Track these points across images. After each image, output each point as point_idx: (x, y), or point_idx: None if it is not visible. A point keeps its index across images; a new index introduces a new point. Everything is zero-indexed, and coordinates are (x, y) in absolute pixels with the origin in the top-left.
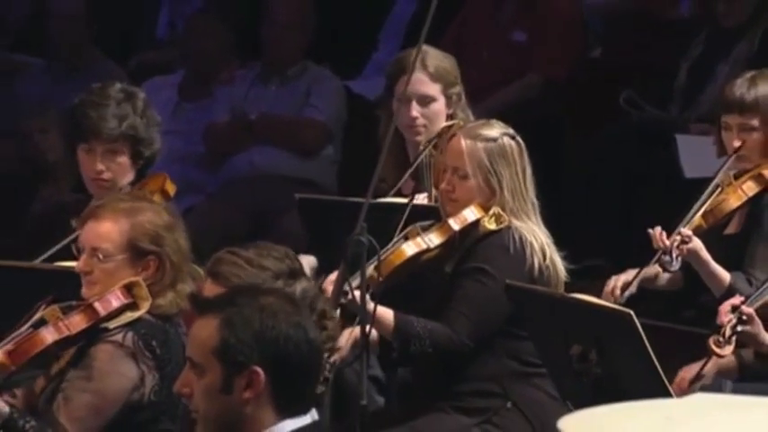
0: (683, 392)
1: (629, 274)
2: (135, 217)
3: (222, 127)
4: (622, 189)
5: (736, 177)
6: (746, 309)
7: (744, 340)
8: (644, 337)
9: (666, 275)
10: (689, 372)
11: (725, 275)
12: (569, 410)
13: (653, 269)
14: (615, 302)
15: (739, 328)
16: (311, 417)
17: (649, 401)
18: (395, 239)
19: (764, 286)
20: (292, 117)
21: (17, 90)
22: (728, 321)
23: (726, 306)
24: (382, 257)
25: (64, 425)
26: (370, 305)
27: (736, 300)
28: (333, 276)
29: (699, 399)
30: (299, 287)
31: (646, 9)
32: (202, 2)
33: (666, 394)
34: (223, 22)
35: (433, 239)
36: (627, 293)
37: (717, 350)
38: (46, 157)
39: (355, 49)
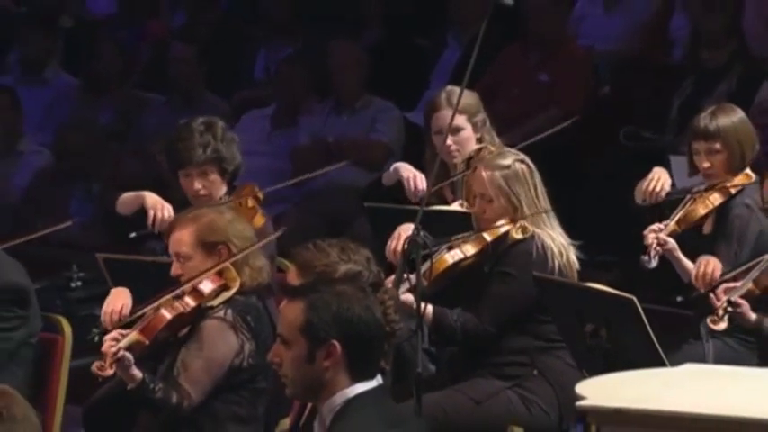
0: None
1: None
2: (199, 220)
3: (305, 149)
4: (626, 199)
5: (706, 190)
6: (735, 296)
7: (735, 318)
8: (644, 318)
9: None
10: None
11: (691, 266)
12: (584, 377)
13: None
14: (657, 198)
15: (730, 309)
16: (377, 381)
17: (649, 370)
18: (440, 248)
19: (748, 277)
20: (361, 139)
21: (143, 120)
22: (721, 305)
23: (720, 290)
24: (428, 265)
25: (183, 385)
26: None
27: (730, 284)
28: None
29: (689, 368)
30: (344, 268)
31: (645, 55)
32: (291, 51)
33: (662, 364)
34: (306, 66)
35: (470, 250)
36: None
37: (713, 326)
38: (166, 172)
39: (412, 87)
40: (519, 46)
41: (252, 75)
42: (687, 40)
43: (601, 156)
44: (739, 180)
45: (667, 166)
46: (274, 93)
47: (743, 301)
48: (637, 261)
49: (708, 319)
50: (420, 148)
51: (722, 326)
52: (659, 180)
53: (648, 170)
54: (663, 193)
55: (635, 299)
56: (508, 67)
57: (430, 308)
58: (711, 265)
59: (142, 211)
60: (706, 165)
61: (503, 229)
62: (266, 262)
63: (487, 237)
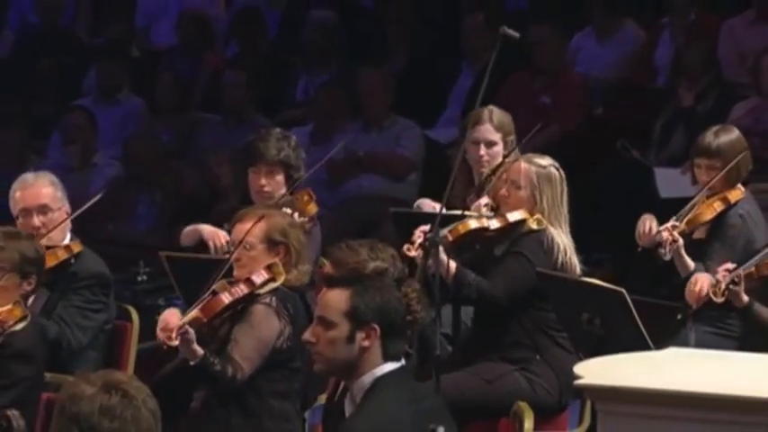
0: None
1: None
2: (270, 219)
3: (339, 161)
4: (618, 205)
5: (708, 198)
6: (739, 272)
7: (729, 297)
8: (633, 308)
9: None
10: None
11: (691, 264)
12: (581, 359)
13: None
14: (651, 239)
15: (731, 287)
16: (401, 362)
17: (637, 353)
18: (470, 215)
19: (750, 261)
20: (388, 154)
21: (200, 137)
22: (724, 278)
23: (722, 269)
24: (453, 225)
25: (236, 360)
26: (443, 256)
27: (730, 265)
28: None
29: (673, 352)
30: (372, 265)
31: (633, 81)
32: (327, 77)
33: (648, 349)
34: (340, 90)
35: (494, 224)
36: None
37: (714, 298)
38: (220, 182)
39: (431, 108)
40: (524, 73)
41: (294, 97)
42: (669, 68)
43: (595, 167)
44: (734, 194)
45: (652, 176)
46: (313, 113)
47: (742, 279)
48: (630, 258)
49: (711, 291)
50: (438, 160)
51: (721, 300)
52: (646, 222)
53: (636, 181)
54: (653, 233)
55: (624, 291)
56: (515, 91)
57: (453, 264)
58: (699, 283)
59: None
60: (705, 178)
61: (522, 216)
62: (309, 267)
63: (510, 218)
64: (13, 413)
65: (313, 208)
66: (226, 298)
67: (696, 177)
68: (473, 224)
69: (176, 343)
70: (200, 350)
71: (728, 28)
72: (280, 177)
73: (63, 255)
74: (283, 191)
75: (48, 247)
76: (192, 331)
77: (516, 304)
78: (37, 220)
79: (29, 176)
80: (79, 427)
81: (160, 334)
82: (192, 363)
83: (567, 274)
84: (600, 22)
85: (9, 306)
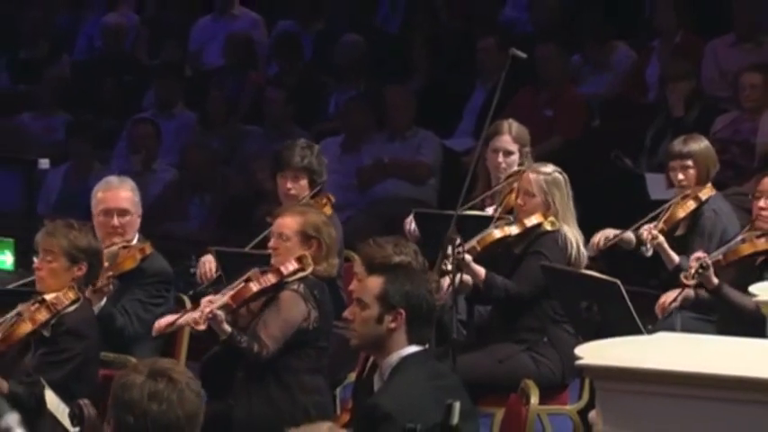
0: (664, 311)
1: (610, 233)
2: (304, 215)
3: (367, 168)
4: (613, 206)
5: (683, 198)
6: (707, 260)
7: (700, 280)
8: (626, 297)
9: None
10: (667, 297)
11: (675, 257)
12: (581, 342)
13: (628, 236)
14: (598, 250)
15: (701, 271)
16: (425, 347)
17: (630, 337)
18: (490, 226)
19: (718, 251)
20: (410, 161)
21: (246, 145)
22: (694, 266)
23: (693, 258)
24: (480, 236)
25: (263, 338)
26: (473, 265)
27: (701, 254)
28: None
29: (662, 336)
30: (397, 259)
31: (626, 96)
32: (356, 93)
33: (640, 333)
34: (367, 105)
35: (514, 230)
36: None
37: (685, 281)
38: (262, 186)
39: (448, 120)
40: (530, 88)
41: (327, 111)
42: (658, 85)
43: (592, 173)
44: (705, 192)
45: (643, 182)
46: (344, 125)
47: (710, 265)
48: (622, 256)
49: (681, 275)
50: (454, 167)
51: (692, 282)
52: (597, 238)
53: (629, 185)
54: (601, 243)
55: (619, 282)
56: (522, 104)
57: (483, 270)
58: (665, 297)
59: None
60: (681, 177)
61: (538, 220)
62: (339, 261)
63: (527, 223)
64: (85, 402)
65: (328, 210)
66: (255, 287)
67: (671, 180)
68: (498, 234)
69: (203, 327)
70: (228, 328)
71: (711, 48)
72: (304, 182)
73: (139, 256)
74: (307, 193)
75: (123, 247)
76: (220, 314)
77: (537, 296)
78: (117, 221)
79: (113, 179)
80: (133, 414)
81: (190, 320)
82: (221, 339)
83: (577, 266)
84: (596, 45)
85: (64, 289)
